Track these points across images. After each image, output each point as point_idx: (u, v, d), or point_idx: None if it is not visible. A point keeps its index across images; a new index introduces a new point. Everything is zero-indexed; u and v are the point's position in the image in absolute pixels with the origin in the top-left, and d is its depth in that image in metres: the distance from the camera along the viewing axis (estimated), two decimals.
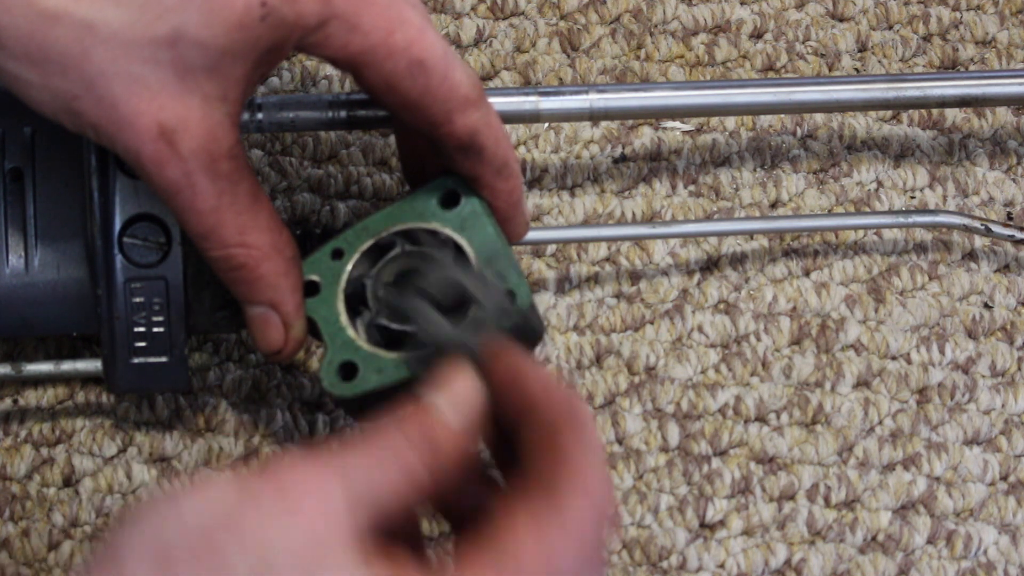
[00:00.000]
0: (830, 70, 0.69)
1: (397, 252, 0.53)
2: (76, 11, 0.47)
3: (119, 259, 0.55)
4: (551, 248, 0.65)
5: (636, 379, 0.64)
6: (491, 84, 0.68)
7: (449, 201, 0.54)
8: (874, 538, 0.62)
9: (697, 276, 0.66)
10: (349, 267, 0.54)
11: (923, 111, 0.68)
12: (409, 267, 0.53)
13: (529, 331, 0.54)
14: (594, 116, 0.61)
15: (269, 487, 0.42)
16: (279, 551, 0.41)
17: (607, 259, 0.66)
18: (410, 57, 0.50)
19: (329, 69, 0.67)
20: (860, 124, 0.68)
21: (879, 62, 0.70)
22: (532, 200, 0.66)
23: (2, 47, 0.47)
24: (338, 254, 0.54)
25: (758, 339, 0.65)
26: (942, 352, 0.65)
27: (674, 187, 0.67)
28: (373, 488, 0.43)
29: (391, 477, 0.43)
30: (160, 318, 0.56)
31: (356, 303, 0.53)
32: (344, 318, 0.53)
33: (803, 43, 0.70)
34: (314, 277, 0.53)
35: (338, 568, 0.41)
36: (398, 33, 0.49)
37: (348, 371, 0.52)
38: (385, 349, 0.52)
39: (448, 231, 0.53)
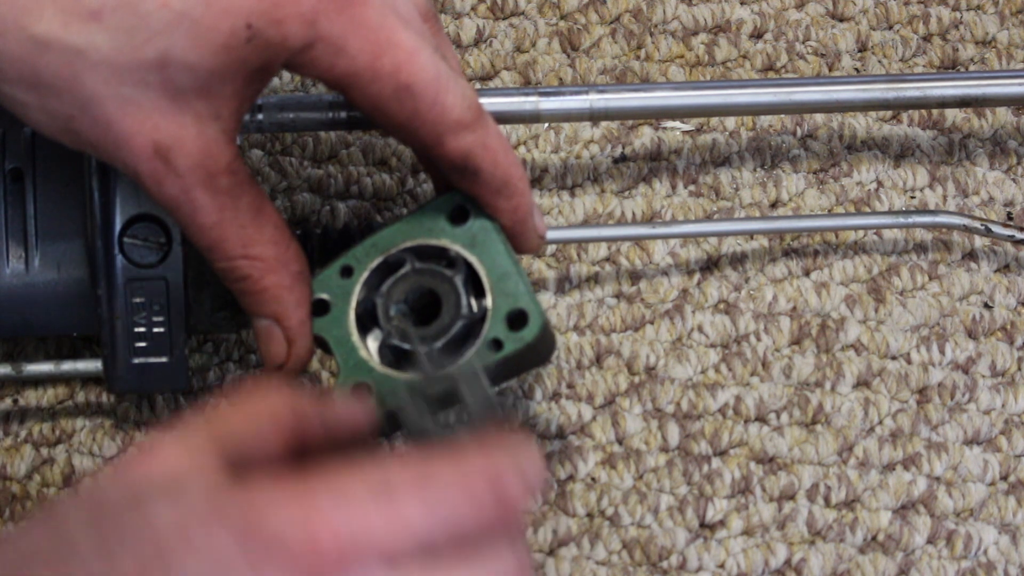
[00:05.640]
0: (830, 70, 0.69)
1: (407, 270, 0.53)
2: (66, 37, 0.47)
3: (119, 259, 0.55)
4: (551, 248, 0.65)
5: (636, 379, 0.64)
6: (491, 84, 0.68)
7: (458, 217, 0.53)
8: (874, 538, 0.62)
9: (697, 276, 0.65)
10: (359, 285, 0.53)
11: (923, 111, 0.68)
12: (419, 286, 0.53)
13: (541, 351, 0.54)
14: (594, 116, 0.61)
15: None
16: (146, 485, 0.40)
17: (607, 259, 0.65)
18: (397, 82, 0.49)
19: None
20: (860, 124, 0.68)
21: (879, 62, 0.70)
22: None
23: None
24: (347, 272, 0.53)
25: (758, 339, 0.65)
26: (942, 352, 0.65)
27: (674, 187, 0.67)
28: (236, 430, 0.42)
29: (255, 422, 0.43)
30: (160, 318, 0.56)
31: (366, 321, 0.53)
32: (356, 338, 0.52)
33: (803, 43, 0.70)
34: (324, 296, 0.53)
35: (202, 491, 0.40)
36: (385, 57, 0.49)
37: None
38: (397, 369, 0.52)
39: (458, 248, 0.52)
